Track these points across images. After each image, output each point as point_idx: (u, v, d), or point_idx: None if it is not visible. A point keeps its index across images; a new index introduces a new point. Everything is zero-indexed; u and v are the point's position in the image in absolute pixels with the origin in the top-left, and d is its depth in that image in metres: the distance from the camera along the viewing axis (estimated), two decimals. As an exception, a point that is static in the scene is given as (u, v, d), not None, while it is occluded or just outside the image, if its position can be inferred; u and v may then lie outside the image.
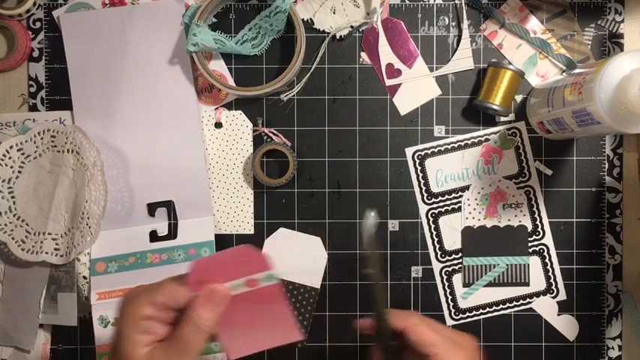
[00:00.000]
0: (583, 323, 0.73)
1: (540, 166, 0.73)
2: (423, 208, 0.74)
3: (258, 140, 0.74)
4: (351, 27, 0.73)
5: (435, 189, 0.73)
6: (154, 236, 0.72)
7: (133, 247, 0.72)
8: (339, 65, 0.74)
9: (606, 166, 0.73)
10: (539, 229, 0.73)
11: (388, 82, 0.73)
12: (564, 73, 0.71)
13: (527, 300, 0.73)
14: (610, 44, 0.73)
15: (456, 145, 0.73)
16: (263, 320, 0.60)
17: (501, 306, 0.73)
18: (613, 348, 0.73)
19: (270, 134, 0.73)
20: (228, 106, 0.74)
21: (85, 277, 0.72)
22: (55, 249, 0.70)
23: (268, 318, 0.60)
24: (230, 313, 0.58)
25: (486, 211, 0.73)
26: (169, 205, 0.72)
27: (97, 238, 0.71)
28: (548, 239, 0.73)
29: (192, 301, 0.51)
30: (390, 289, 0.73)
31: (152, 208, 0.72)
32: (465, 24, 0.73)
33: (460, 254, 0.73)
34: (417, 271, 0.73)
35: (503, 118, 0.73)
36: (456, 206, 0.73)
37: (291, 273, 0.73)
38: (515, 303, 0.73)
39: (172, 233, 0.72)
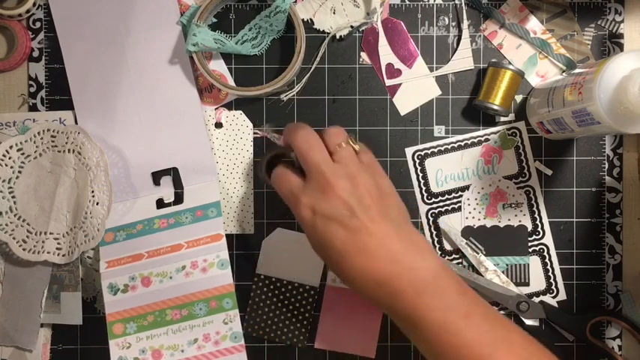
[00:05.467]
0: (583, 323, 0.73)
1: (540, 166, 0.73)
2: (423, 208, 0.74)
3: (258, 141, 0.74)
4: (351, 27, 0.73)
5: (434, 189, 0.73)
6: (160, 204, 0.72)
7: (140, 216, 0.72)
8: (339, 65, 0.74)
9: (606, 166, 0.73)
10: (539, 229, 0.73)
11: (388, 82, 0.73)
12: (564, 73, 0.71)
13: (527, 300, 0.73)
14: (610, 44, 0.73)
15: (455, 145, 0.73)
16: (355, 323, 0.73)
17: (501, 306, 0.73)
18: (613, 348, 0.73)
19: (273, 138, 0.73)
20: (228, 106, 0.74)
21: (92, 266, 0.73)
22: (57, 248, 0.71)
23: (359, 323, 0.73)
24: (338, 304, 0.72)
25: (486, 211, 0.73)
26: (173, 172, 0.72)
27: (101, 237, 0.71)
28: (548, 239, 0.73)
29: None
30: (390, 289, 0.73)
31: (157, 177, 0.72)
32: (465, 24, 0.73)
33: (460, 254, 0.73)
34: (417, 271, 0.73)
35: (503, 118, 0.73)
36: (455, 206, 0.73)
37: (289, 272, 0.73)
38: (515, 303, 0.73)
39: (178, 199, 0.72)
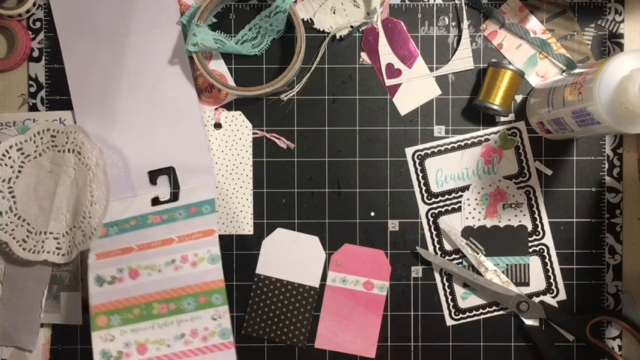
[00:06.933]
0: (583, 323, 0.73)
1: (540, 166, 0.73)
2: (423, 208, 0.74)
3: (257, 141, 0.74)
4: (351, 27, 0.73)
5: (434, 189, 0.73)
6: (156, 201, 0.72)
7: (135, 213, 0.72)
8: (339, 65, 0.74)
9: (606, 166, 0.73)
10: (539, 229, 0.73)
11: (388, 82, 0.73)
12: (564, 73, 0.71)
13: (527, 300, 0.73)
14: (610, 44, 0.73)
15: (455, 145, 0.73)
16: (355, 323, 0.73)
17: (501, 306, 0.73)
18: (613, 348, 0.73)
19: (273, 138, 0.73)
20: (228, 107, 0.74)
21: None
22: (57, 248, 0.71)
23: (360, 323, 0.73)
24: (339, 304, 0.73)
25: (486, 211, 0.73)
26: (170, 172, 0.72)
27: (97, 236, 0.70)
28: (548, 239, 0.73)
29: None
30: (390, 289, 0.73)
31: (153, 176, 0.72)
32: (465, 24, 0.73)
33: (460, 254, 0.73)
34: (417, 271, 0.74)
35: (503, 118, 0.73)
36: (455, 206, 0.73)
37: (289, 272, 0.73)
38: (515, 303, 0.73)
39: (174, 198, 0.72)
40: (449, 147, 0.73)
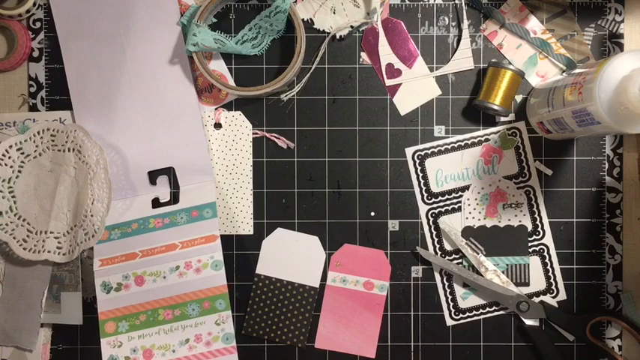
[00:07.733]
0: (583, 323, 0.73)
1: (540, 166, 0.73)
2: (423, 208, 0.74)
3: (257, 141, 0.74)
4: (351, 27, 0.73)
5: (435, 189, 0.73)
6: (156, 203, 0.72)
7: (136, 215, 0.72)
8: (339, 65, 0.74)
9: (606, 166, 0.73)
10: (539, 229, 0.73)
11: (388, 82, 0.73)
12: (564, 73, 0.71)
13: (527, 300, 0.73)
14: (610, 44, 0.73)
15: (455, 145, 0.73)
16: (355, 323, 0.73)
17: (501, 306, 0.73)
18: (613, 348, 0.73)
19: (273, 138, 0.73)
20: (228, 107, 0.74)
21: (92, 266, 0.72)
22: (58, 247, 0.71)
23: (360, 323, 0.73)
24: (339, 304, 0.73)
25: (486, 211, 0.73)
26: (170, 172, 0.72)
27: (101, 235, 0.71)
28: (548, 239, 0.73)
29: None
30: (390, 289, 0.73)
31: (153, 176, 0.72)
32: (465, 24, 0.73)
33: (460, 254, 0.73)
34: (417, 271, 0.74)
35: (503, 118, 0.73)
36: (456, 206, 0.73)
37: (289, 272, 0.73)
38: (515, 303, 0.73)
39: (174, 199, 0.72)
40: (449, 147, 0.73)
